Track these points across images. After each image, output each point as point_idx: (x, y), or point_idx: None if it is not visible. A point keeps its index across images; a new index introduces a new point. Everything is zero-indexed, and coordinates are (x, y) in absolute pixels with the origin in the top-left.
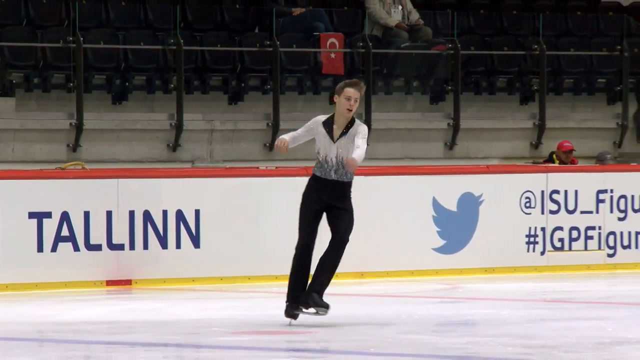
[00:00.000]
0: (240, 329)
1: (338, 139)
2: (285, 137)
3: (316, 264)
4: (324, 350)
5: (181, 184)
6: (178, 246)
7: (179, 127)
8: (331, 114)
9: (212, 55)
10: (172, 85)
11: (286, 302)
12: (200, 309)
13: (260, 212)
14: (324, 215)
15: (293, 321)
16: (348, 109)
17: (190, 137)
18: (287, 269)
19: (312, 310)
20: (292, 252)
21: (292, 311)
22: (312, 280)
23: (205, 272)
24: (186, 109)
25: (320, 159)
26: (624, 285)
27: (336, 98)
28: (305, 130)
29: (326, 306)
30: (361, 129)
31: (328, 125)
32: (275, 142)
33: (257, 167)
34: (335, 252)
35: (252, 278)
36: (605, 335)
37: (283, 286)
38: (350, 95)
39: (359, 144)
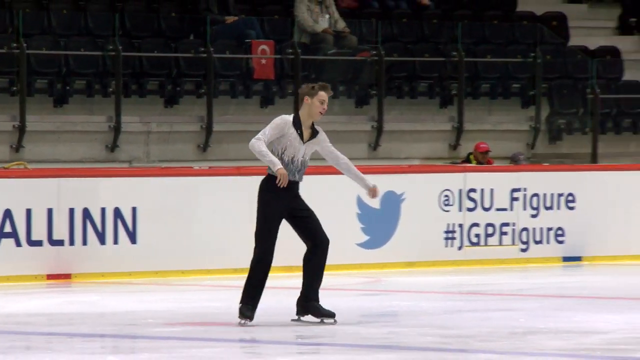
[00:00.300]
0: (173, 320)
1: (307, 140)
2: (264, 148)
3: (303, 270)
4: (253, 340)
5: (119, 183)
6: (115, 242)
7: (117, 129)
8: (295, 115)
9: (149, 60)
10: (111, 89)
11: (240, 302)
12: (136, 301)
13: (193, 209)
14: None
15: (249, 322)
16: (321, 112)
17: (128, 139)
18: (218, 264)
19: (313, 318)
20: (225, 247)
21: (247, 312)
22: (307, 289)
23: (141, 266)
24: (124, 112)
25: (286, 160)
26: (535, 278)
27: (307, 100)
28: (276, 131)
29: (332, 315)
30: (325, 135)
31: (297, 126)
32: (281, 178)
33: (191, 167)
34: (321, 254)
35: (186, 272)
36: (517, 326)
37: (215, 279)
38: (324, 99)
39: (342, 156)
